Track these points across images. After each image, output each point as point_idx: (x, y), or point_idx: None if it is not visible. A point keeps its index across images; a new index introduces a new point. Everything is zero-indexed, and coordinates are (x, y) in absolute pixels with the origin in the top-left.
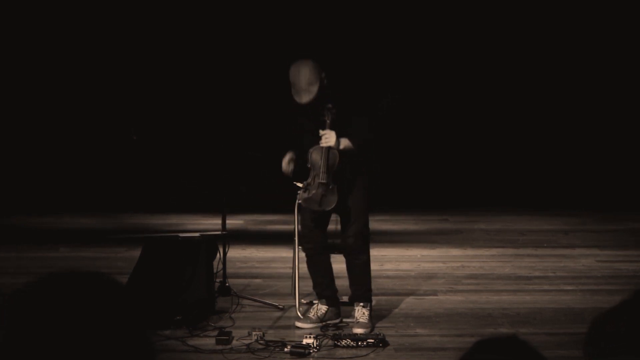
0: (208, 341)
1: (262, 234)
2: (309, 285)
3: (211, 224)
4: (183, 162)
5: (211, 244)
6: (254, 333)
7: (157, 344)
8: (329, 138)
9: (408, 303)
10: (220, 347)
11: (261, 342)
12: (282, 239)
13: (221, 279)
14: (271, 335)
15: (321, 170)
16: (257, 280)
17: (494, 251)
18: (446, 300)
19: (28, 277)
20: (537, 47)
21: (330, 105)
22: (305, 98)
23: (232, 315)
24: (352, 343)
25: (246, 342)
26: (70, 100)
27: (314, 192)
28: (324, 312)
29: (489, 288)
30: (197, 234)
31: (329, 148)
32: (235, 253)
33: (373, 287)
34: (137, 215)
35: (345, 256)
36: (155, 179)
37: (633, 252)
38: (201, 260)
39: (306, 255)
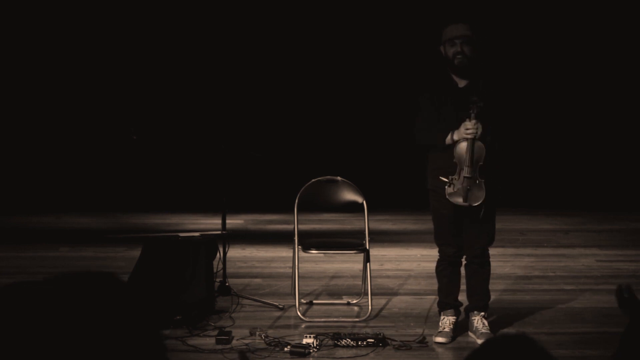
0: (208, 341)
1: (262, 233)
2: (309, 285)
3: (211, 223)
4: (183, 161)
5: (211, 243)
6: (257, 332)
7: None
8: (471, 131)
9: (408, 303)
10: (220, 346)
11: (266, 339)
12: (282, 238)
13: (221, 279)
14: (271, 335)
15: (466, 164)
16: (257, 280)
17: (494, 251)
18: None
19: (28, 277)
20: (537, 47)
21: (475, 98)
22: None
23: (232, 315)
24: (352, 343)
25: (246, 341)
26: (70, 100)
27: (459, 186)
28: (453, 323)
29: (489, 288)
30: (197, 234)
31: (474, 140)
32: (235, 253)
33: (373, 287)
34: (137, 215)
35: (468, 264)
36: (155, 179)
37: (633, 252)
38: (201, 260)
39: (446, 263)
